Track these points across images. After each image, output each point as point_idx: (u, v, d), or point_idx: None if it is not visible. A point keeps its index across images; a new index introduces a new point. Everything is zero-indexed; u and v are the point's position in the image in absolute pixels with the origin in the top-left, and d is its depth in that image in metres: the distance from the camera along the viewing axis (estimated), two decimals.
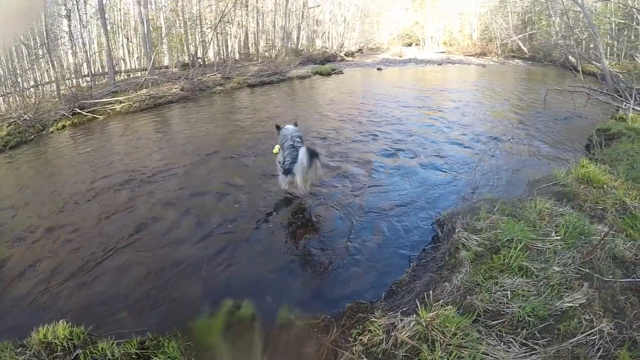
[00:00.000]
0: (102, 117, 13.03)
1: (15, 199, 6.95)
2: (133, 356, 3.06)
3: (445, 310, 2.98)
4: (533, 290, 3.24)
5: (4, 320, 3.89)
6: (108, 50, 17.67)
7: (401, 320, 3.03)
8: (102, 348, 3.08)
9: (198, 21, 21.69)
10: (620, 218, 4.48)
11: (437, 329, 2.83)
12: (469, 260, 3.76)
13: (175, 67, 20.65)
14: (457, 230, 4.33)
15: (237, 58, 23.97)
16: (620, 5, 22.47)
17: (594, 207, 4.76)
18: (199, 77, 17.98)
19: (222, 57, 23.33)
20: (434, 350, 2.69)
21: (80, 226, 5.67)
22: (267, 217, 5.61)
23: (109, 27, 18.99)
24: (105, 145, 9.91)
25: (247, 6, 24.55)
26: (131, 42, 20.67)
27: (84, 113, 12.89)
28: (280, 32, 26.84)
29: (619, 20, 22.96)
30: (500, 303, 3.12)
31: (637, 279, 3.34)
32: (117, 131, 11.49)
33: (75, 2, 16.76)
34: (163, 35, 21.19)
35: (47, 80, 16.26)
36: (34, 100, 13.30)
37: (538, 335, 2.82)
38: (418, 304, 3.17)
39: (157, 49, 20.26)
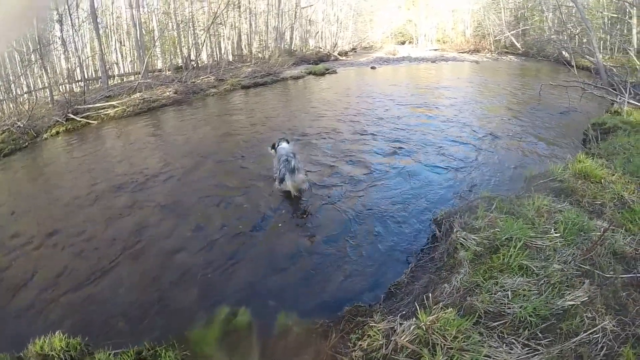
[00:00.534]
0: (96, 122, 12.92)
1: (13, 206, 6.91)
2: None
3: (446, 313, 2.94)
4: (534, 289, 3.19)
5: (3, 330, 3.85)
6: (101, 55, 17.45)
7: (401, 324, 2.99)
8: (99, 359, 3.05)
9: (190, 23, 21.57)
10: (619, 213, 4.46)
11: (437, 332, 2.79)
12: (468, 261, 3.72)
13: (169, 70, 20.48)
14: (455, 229, 4.30)
15: (231, 60, 23.84)
16: None
17: (592, 203, 4.75)
18: (193, 80, 17.88)
19: (216, 59, 23.21)
20: (435, 355, 2.65)
21: (79, 233, 5.63)
22: (263, 220, 5.59)
23: (101, 31, 18.76)
24: (100, 150, 9.85)
25: (239, 7, 24.45)
26: (124, 45, 20.50)
27: (77, 119, 12.75)
28: (273, 33, 26.75)
29: (612, 14, 23.01)
30: (501, 304, 3.08)
31: (638, 275, 3.32)
32: (112, 136, 11.43)
33: (67, 7, 16.63)
34: (156, 38, 21.04)
35: (40, 86, 16.07)
36: (27, 106, 13.13)
37: (540, 335, 2.79)
38: (417, 307, 3.14)
39: (150, 52, 20.09)
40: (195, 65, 20.72)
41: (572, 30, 22.46)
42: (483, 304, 3.08)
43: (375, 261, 4.52)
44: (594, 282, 3.24)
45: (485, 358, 2.60)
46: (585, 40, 20.18)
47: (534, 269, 3.43)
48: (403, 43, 45.79)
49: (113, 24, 20.46)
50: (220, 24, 22.84)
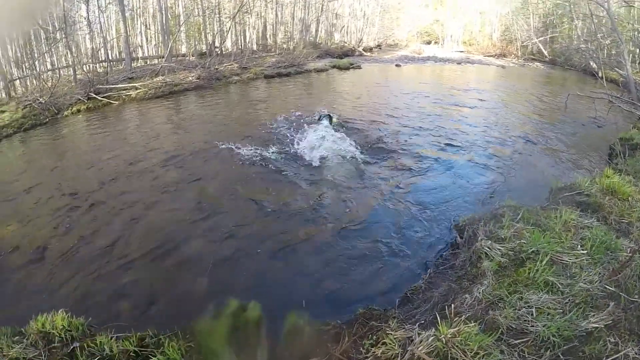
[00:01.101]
0: (117, 102, 13.01)
1: (29, 179, 6.97)
2: (131, 354, 2.95)
3: (468, 326, 2.82)
4: (559, 308, 3.08)
5: (8, 305, 3.84)
6: (126, 37, 17.59)
7: (419, 334, 2.87)
8: (100, 342, 2.99)
9: (217, 10, 21.53)
10: None
11: (457, 346, 2.67)
12: (491, 272, 3.61)
13: (193, 56, 20.53)
14: (479, 237, 4.17)
15: (255, 49, 23.83)
16: None
17: (619, 221, 4.62)
18: (216, 67, 17.83)
19: (240, 47, 23.17)
20: None
21: (92, 212, 5.64)
22: (278, 212, 5.50)
23: (127, 14, 18.88)
24: (120, 130, 9.95)
25: None
26: (149, 29, 20.58)
27: (99, 98, 12.85)
28: (299, 25, 26.60)
29: None
30: (525, 320, 2.95)
31: None
32: (133, 117, 11.52)
33: None
34: (181, 23, 21.08)
35: (64, 64, 16.22)
36: (50, 83, 13.23)
37: (562, 357, 2.68)
38: (438, 317, 3.01)
39: (175, 36, 20.18)
40: (219, 52, 20.71)
41: (601, 40, 21.98)
42: (506, 320, 2.95)
43: (392, 263, 4.40)
44: (619, 305, 3.11)
45: None
46: (614, 52, 19.77)
47: (560, 286, 3.32)
48: (429, 43, 45.40)
49: (139, 7, 20.54)
50: (247, 12, 22.76)
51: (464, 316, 3.01)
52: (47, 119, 11.16)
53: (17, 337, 3.05)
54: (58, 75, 15.18)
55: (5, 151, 9.04)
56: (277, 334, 3.30)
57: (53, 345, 2.98)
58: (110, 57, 18.02)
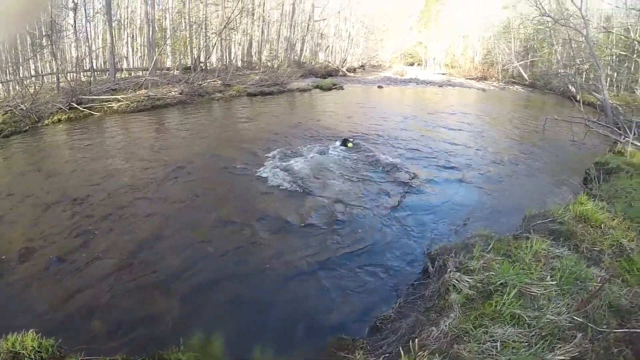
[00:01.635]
0: (98, 114, 12.97)
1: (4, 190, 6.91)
2: None
3: None
4: (524, 341, 3.08)
5: None
6: (111, 47, 17.58)
7: None
8: None
9: (203, 25, 21.70)
10: (617, 261, 4.44)
11: None
12: (459, 304, 3.59)
13: (177, 70, 20.62)
14: (448, 269, 4.16)
15: (240, 65, 24.00)
16: (622, 37, 22.84)
17: (591, 249, 4.69)
18: (200, 82, 17.93)
19: (225, 63, 23.33)
20: None
21: (66, 226, 5.60)
22: (250, 236, 5.52)
23: (114, 24, 18.94)
24: (99, 145, 9.84)
25: (253, 14, 24.66)
26: (135, 40, 20.64)
27: (80, 108, 12.79)
28: (284, 43, 26.93)
29: (620, 52, 23.29)
30: (489, 355, 2.99)
31: (632, 330, 3.25)
32: (113, 130, 11.44)
33: None
34: (167, 36, 21.20)
35: (48, 71, 16.14)
36: (32, 90, 13.12)
37: None
38: (402, 351, 3.06)
39: (161, 50, 20.24)
40: (203, 68, 20.81)
41: (580, 65, 22.72)
42: (470, 354, 2.97)
43: (364, 290, 4.45)
44: (586, 337, 3.12)
45: None
46: (592, 76, 20.37)
47: (527, 318, 3.31)
48: (412, 64, 46.11)
49: (127, 18, 20.60)
50: (233, 29, 22.98)
51: (427, 350, 3.04)
52: (28, 127, 11.06)
53: None
54: (41, 82, 15.11)
55: None
56: None
57: None
58: (94, 67, 17.99)
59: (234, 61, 24.06)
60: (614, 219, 5.38)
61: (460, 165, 9.03)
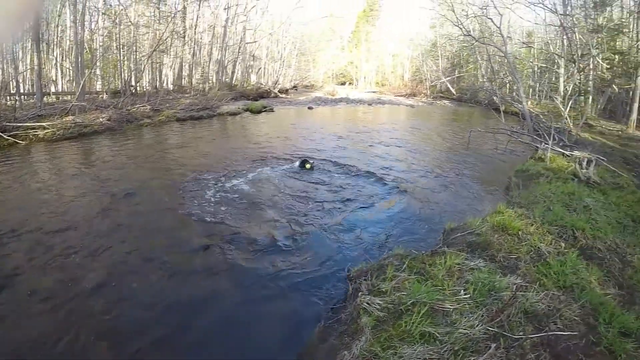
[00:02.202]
0: (24, 142, 12.79)
1: None
2: None
3: None
4: (435, 357, 3.12)
5: None
6: (38, 70, 17.31)
7: None
8: None
9: (134, 47, 21.85)
10: (534, 266, 4.54)
11: None
12: (369, 327, 3.58)
13: (106, 94, 20.57)
14: (360, 292, 4.19)
15: (171, 89, 24.20)
16: (543, 50, 25.19)
17: (508, 257, 4.76)
18: (128, 108, 17.91)
19: (156, 87, 23.53)
20: None
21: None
22: (169, 274, 5.40)
23: (42, 45, 18.68)
24: (24, 178, 9.49)
25: (184, 37, 24.99)
26: (64, 62, 20.35)
27: (4, 137, 12.55)
28: (215, 66, 27.43)
29: (541, 64, 25.64)
30: None
31: (548, 333, 3.34)
32: (37, 162, 11.14)
33: None
34: (97, 58, 21.11)
35: None
36: None
37: None
38: None
39: (90, 72, 20.15)
40: (133, 92, 20.93)
41: (503, 78, 24.88)
42: None
43: (285, 317, 4.46)
44: (500, 346, 3.18)
45: None
46: (515, 88, 22.46)
47: (438, 335, 3.33)
48: (343, 84, 47.90)
49: (56, 37, 20.20)
50: (163, 51, 23.20)
51: None
52: None
53: None
54: None
55: None
56: None
57: None
58: (21, 91, 17.66)
59: (164, 84, 24.24)
60: (532, 225, 5.60)
61: (388, 180, 9.42)
